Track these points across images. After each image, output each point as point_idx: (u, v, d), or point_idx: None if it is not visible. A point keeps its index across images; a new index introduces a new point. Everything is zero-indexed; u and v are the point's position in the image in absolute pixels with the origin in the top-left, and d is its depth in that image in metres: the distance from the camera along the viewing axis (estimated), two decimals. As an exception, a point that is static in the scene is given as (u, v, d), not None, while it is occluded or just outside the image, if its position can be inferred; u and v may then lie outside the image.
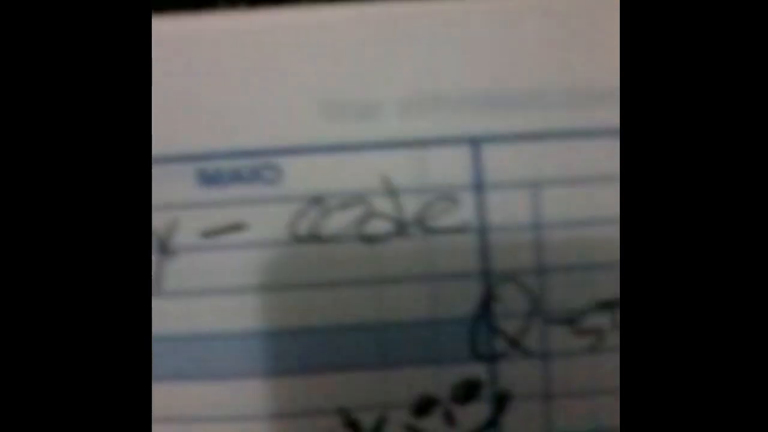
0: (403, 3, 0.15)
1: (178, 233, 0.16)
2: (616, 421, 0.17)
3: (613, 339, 0.17)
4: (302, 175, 0.16)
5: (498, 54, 0.15)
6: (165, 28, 0.15)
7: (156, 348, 0.16)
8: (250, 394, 0.16)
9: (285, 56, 0.15)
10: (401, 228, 0.16)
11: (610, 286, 0.16)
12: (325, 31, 0.15)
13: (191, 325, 0.16)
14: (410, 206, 0.16)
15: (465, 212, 0.16)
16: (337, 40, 0.15)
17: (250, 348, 0.16)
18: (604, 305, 0.16)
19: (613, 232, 0.16)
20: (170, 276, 0.16)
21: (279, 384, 0.16)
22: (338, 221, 0.16)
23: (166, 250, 0.16)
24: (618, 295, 0.16)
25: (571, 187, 0.16)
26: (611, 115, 0.16)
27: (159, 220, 0.16)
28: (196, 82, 0.15)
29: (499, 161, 0.16)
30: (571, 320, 0.16)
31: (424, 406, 0.17)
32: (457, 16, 0.15)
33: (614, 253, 0.16)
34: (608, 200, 0.16)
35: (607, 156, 0.16)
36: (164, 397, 0.16)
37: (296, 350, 0.16)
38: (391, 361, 0.16)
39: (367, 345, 0.16)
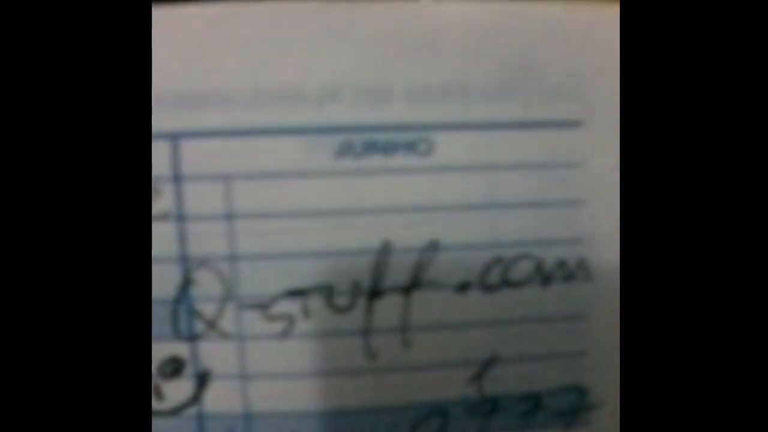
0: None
1: None
2: (317, 404, 0.18)
3: (303, 326, 0.18)
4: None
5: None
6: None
7: None
8: None
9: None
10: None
11: (299, 275, 0.17)
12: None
13: None
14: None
15: (166, 202, 0.18)
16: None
17: None
18: (294, 293, 0.18)
19: (305, 223, 0.17)
20: None
21: None
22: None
23: None
24: (307, 284, 0.18)
25: (263, 181, 0.17)
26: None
27: None
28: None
29: (196, 155, 0.17)
30: (262, 306, 0.18)
31: (135, 380, 0.18)
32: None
33: (310, 245, 0.18)
34: (297, 195, 0.17)
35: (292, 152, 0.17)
36: None
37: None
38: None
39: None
